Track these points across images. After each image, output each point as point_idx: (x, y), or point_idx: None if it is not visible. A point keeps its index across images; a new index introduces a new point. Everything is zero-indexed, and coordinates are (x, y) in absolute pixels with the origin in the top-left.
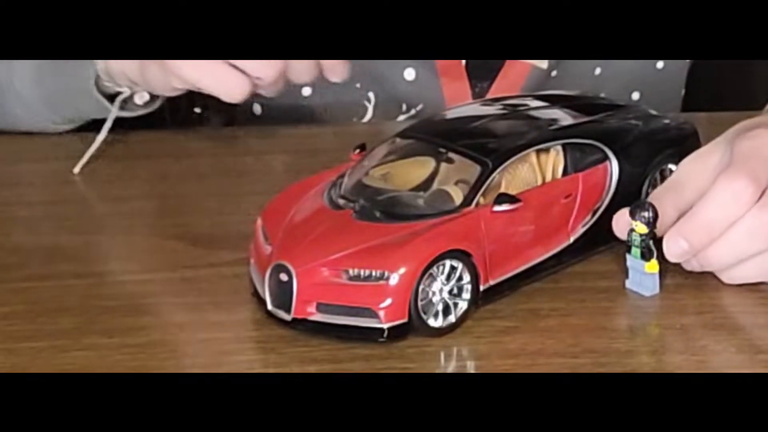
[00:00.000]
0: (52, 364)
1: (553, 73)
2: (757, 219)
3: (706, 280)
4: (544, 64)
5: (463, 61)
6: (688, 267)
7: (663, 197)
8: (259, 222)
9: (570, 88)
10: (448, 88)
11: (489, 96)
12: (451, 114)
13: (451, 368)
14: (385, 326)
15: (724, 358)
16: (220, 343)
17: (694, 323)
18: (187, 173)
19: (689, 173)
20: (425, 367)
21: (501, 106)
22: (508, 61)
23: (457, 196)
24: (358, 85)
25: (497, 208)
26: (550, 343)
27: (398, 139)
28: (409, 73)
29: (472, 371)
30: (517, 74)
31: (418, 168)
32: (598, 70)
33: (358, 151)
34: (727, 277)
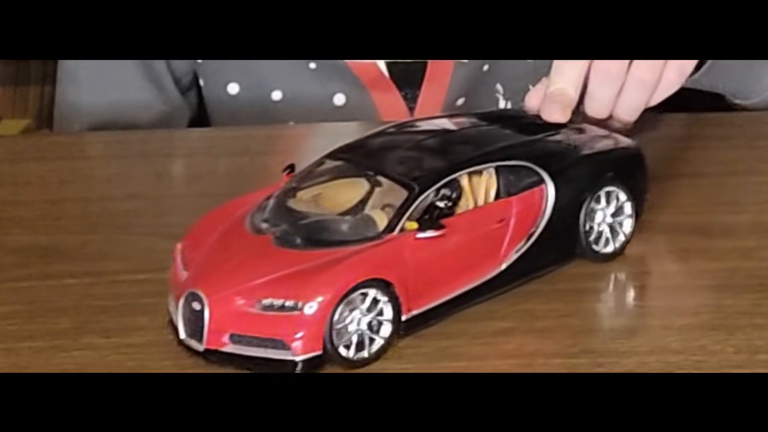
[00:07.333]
0: (50, 363)
1: (485, 67)
2: None
3: (706, 280)
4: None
5: (387, 73)
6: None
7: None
8: (179, 246)
9: (505, 79)
10: (380, 103)
11: (420, 102)
12: (383, 134)
13: (448, 369)
14: (298, 359)
15: (723, 359)
16: None
17: (692, 323)
18: (185, 173)
19: None
20: (422, 367)
21: (437, 126)
22: (430, 63)
23: (381, 222)
24: (291, 123)
25: (421, 234)
26: (547, 344)
27: (328, 161)
28: (339, 99)
29: (470, 372)
30: (443, 73)
31: (351, 190)
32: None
33: (287, 171)
34: None
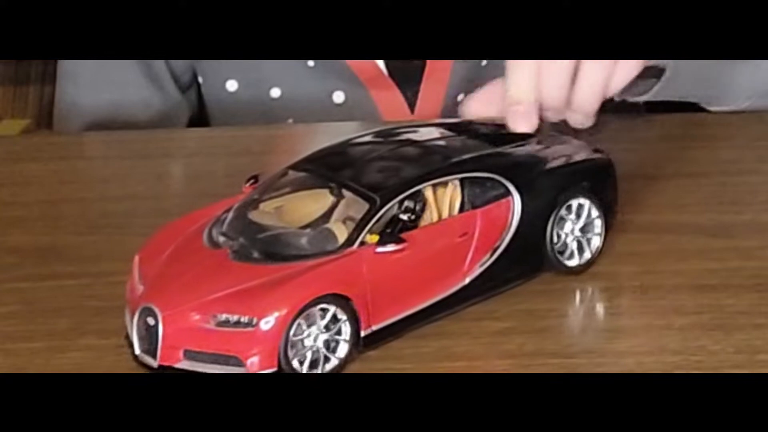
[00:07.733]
0: (49, 364)
1: (484, 63)
2: None
3: (705, 280)
4: None
5: (385, 70)
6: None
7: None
8: (137, 259)
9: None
10: (380, 101)
11: (420, 99)
12: (348, 144)
13: (448, 369)
14: None
15: (722, 359)
16: None
17: (691, 323)
18: (184, 173)
19: None
20: (422, 367)
21: (404, 137)
22: (428, 60)
23: (341, 235)
24: (290, 121)
25: (381, 249)
26: (547, 344)
27: (291, 172)
28: (338, 96)
29: (470, 372)
30: (442, 70)
31: (313, 203)
32: None
33: (250, 182)
34: None
